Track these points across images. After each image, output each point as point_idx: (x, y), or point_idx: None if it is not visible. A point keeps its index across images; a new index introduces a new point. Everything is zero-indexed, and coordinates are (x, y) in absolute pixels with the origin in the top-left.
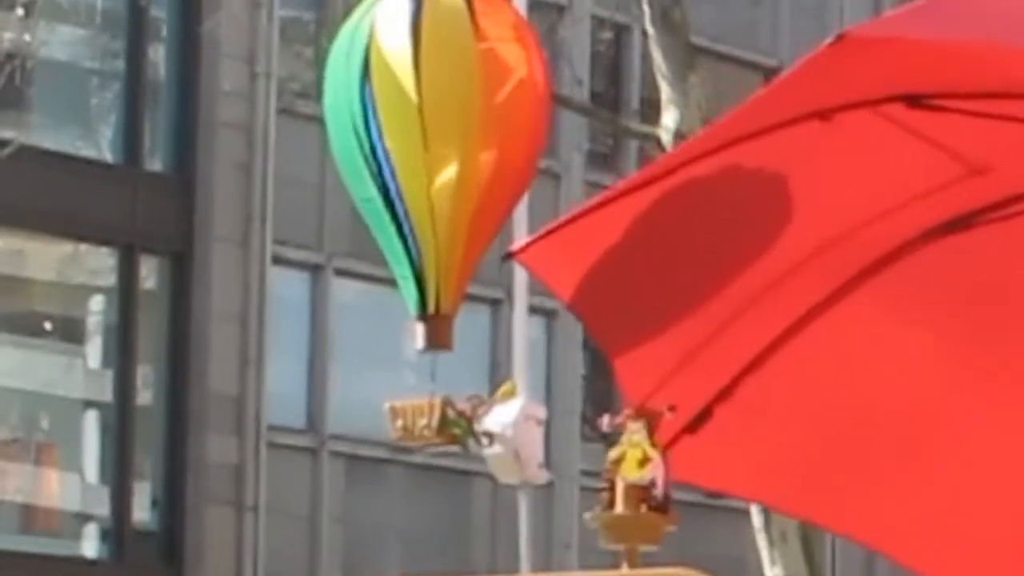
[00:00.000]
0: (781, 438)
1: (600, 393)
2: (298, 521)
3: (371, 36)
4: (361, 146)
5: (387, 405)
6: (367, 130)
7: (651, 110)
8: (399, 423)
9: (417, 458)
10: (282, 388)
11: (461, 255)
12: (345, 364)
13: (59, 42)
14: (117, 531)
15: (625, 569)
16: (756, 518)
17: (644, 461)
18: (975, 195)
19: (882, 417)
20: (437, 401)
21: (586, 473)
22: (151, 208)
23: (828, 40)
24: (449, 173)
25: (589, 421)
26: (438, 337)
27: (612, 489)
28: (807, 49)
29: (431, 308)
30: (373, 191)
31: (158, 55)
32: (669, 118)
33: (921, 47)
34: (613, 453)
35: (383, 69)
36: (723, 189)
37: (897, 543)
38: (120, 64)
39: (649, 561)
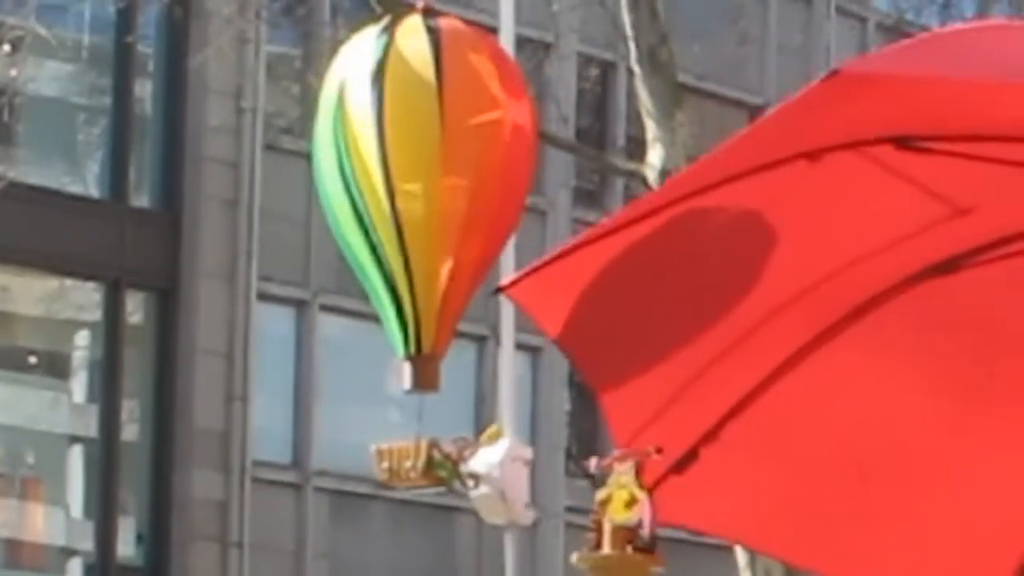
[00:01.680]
0: (766, 480)
1: (585, 430)
2: (283, 557)
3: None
4: (347, 191)
5: (373, 447)
6: (350, 179)
7: (637, 147)
8: (385, 465)
9: (402, 495)
10: (267, 424)
11: (444, 298)
12: (330, 400)
13: (47, 78)
14: (102, 566)
15: None
16: (741, 556)
17: (631, 503)
18: (962, 238)
19: (868, 460)
20: (423, 443)
21: (571, 510)
22: (137, 243)
23: (821, 76)
24: (419, 220)
25: (574, 458)
26: (424, 378)
27: (599, 530)
28: (793, 87)
29: (416, 349)
30: (358, 237)
31: (145, 91)
32: (655, 156)
33: (911, 88)
34: (600, 494)
35: (350, 121)
36: (710, 228)
37: None
38: (107, 100)
39: None
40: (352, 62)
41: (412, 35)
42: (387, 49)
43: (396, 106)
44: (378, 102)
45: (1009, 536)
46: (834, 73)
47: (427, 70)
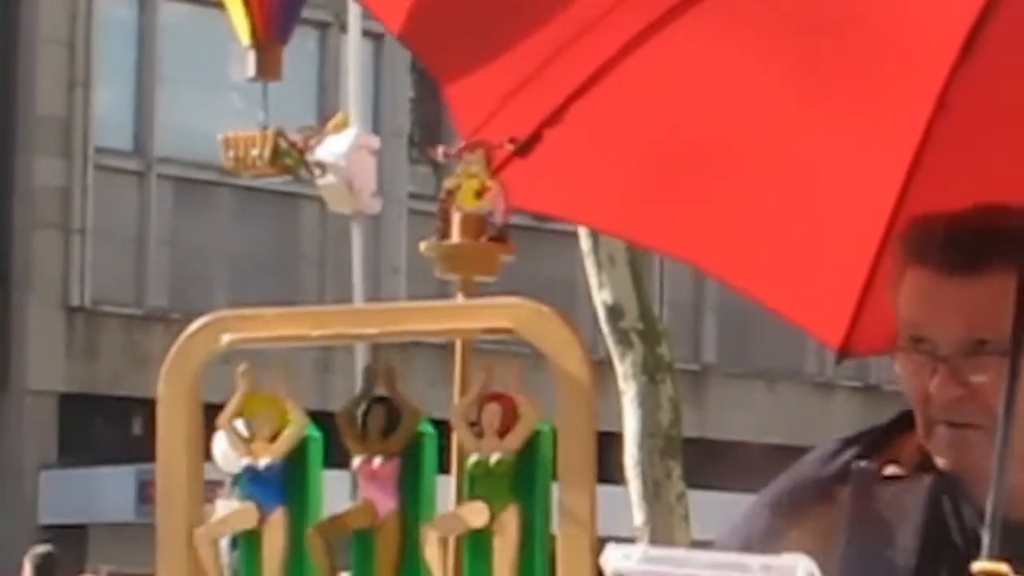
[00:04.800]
0: (610, 160)
1: (428, 116)
2: (125, 244)
3: None
4: None
5: (220, 136)
6: None
7: None
8: (231, 153)
9: (246, 182)
10: (110, 111)
11: None
12: (173, 87)
13: None
14: None
15: (460, 299)
16: (584, 241)
17: (482, 191)
18: None
19: (710, 139)
20: (269, 132)
21: (413, 196)
22: None
23: None
24: None
25: (417, 144)
26: (267, 67)
27: (446, 219)
28: None
29: (259, 36)
30: None
31: None
32: None
33: None
34: (449, 183)
35: None
36: None
37: (725, 264)
38: None
39: (477, 290)
40: None
41: None
42: None
43: None
44: None
45: (863, 214)
46: None
47: None
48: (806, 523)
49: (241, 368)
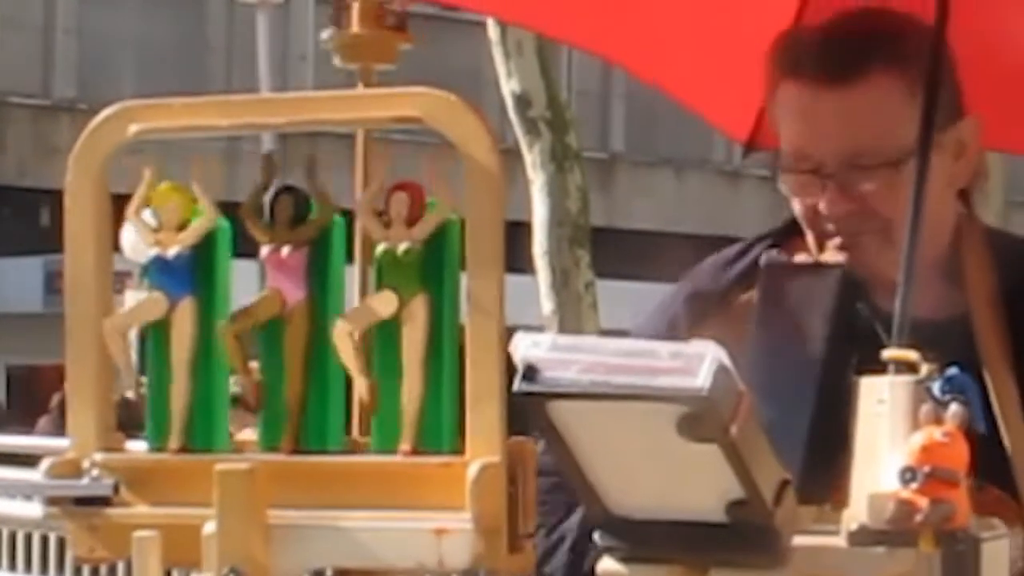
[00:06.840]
0: None
1: None
2: (32, 33)
3: None
4: None
5: None
6: None
7: None
8: None
9: None
10: None
11: None
12: None
13: None
14: None
15: (361, 89)
16: (492, 31)
17: None
18: None
19: None
20: None
21: None
22: None
23: None
24: None
25: None
26: None
27: (347, 8)
28: None
29: None
30: None
31: None
32: None
33: None
34: None
35: None
36: None
37: (631, 54)
38: None
39: (385, 80)
40: None
41: None
42: None
43: None
44: None
45: (772, 3)
46: None
47: None
48: (713, 325)
49: (148, 164)
